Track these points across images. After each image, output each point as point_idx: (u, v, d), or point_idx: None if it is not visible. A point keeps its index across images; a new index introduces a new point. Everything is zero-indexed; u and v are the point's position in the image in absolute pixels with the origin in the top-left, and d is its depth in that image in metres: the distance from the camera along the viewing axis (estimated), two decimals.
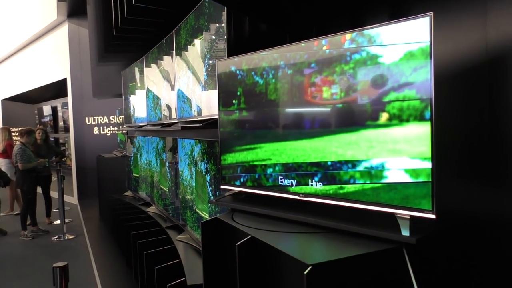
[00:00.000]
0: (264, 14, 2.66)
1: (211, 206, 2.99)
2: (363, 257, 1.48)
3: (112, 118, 8.83)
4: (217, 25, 2.81)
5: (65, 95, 10.10)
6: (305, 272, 1.30)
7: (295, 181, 1.98)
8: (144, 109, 5.35)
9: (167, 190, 4.35)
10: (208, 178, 3.01)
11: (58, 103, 11.90)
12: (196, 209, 3.36)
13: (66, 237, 6.13)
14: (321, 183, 1.87)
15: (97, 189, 7.54)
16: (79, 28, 8.87)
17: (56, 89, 11.19)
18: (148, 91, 5.08)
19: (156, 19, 4.06)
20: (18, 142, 6.12)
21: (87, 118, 8.81)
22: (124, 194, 6.35)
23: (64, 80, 9.42)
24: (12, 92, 12.90)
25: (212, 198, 2.96)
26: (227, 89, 2.32)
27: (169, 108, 4.23)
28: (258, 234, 1.73)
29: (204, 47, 3.07)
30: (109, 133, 8.85)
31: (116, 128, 8.70)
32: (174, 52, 3.89)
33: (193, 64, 3.33)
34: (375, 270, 1.53)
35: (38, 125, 13.17)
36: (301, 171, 1.95)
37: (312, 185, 1.91)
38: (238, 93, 2.24)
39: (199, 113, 3.22)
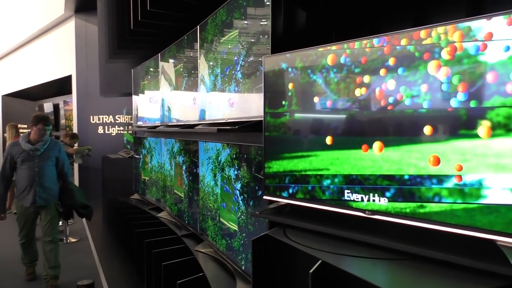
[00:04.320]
0: (312, 7, 2.42)
1: (241, 217, 2.73)
2: None
3: (118, 117, 8.55)
4: (257, 19, 2.55)
5: (68, 92, 9.81)
6: None
7: (360, 195, 1.72)
8: (157, 109, 5.08)
9: (182, 196, 4.07)
10: (238, 186, 2.74)
11: (60, 100, 11.61)
12: (221, 219, 3.09)
13: (69, 241, 5.83)
14: (394, 200, 1.62)
15: (101, 190, 7.24)
16: (87, 24, 8.60)
17: (59, 86, 10.91)
18: (164, 89, 4.82)
19: (179, 13, 3.81)
20: None
21: (91, 116, 8.52)
22: (130, 197, 6.06)
23: (68, 77, 9.14)
24: (13, 88, 12.59)
25: (243, 208, 2.69)
26: (276, 88, 2.06)
27: (190, 108, 3.97)
28: (328, 258, 1.47)
29: (238, 43, 2.81)
30: (114, 132, 8.56)
31: (122, 128, 8.42)
32: (198, 48, 3.64)
33: (223, 61, 3.07)
34: None
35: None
36: (368, 185, 1.70)
37: (382, 201, 1.65)
38: (289, 93, 1.99)
39: (229, 115, 2.96)
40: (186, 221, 3.97)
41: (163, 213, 4.74)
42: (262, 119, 2.36)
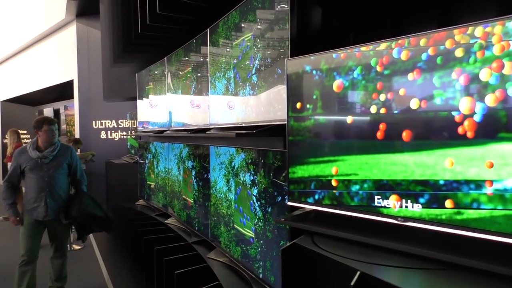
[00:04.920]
0: (330, 7, 2.37)
1: (258, 223, 2.66)
2: None
3: (121, 122, 8.48)
4: (273, 20, 2.50)
5: (69, 97, 9.74)
6: None
7: (392, 201, 1.67)
8: (164, 113, 5.02)
9: (192, 202, 4.01)
10: (255, 191, 2.68)
11: (60, 105, 11.54)
12: (235, 225, 3.02)
13: (73, 248, 5.74)
14: (428, 206, 1.56)
15: (105, 196, 7.16)
16: (88, 29, 8.55)
17: (59, 91, 10.83)
18: (171, 94, 4.76)
19: (189, 16, 3.76)
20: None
21: (94, 121, 8.45)
22: (136, 203, 5.99)
23: (70, 82, 9.07)
24: (13, 93, 12.51)
25: (260, 214, 2.63)
26: (299, 91, 2.01)
27: (200, 112, 3.91)
28: (362, 268, 1.41)
29: (253, 46, 2.76)
30: (118, 138, 8.49)
31: (125, 133, 8.34)
32: (208, 52, 3.58)
33: (237, 64, 3.02)
34: None
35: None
36: (400, 190, 1.64)
37: (415, 207, 1.60)
38: (314, 96, 1.93)
39: (243, 119, 2.90)
40: (196, 228, 3.91)
41: (171, 219, 4.67)
42: (280, 122, 2.31)
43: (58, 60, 9.66)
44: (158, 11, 3.52)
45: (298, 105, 2.01)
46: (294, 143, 2.03)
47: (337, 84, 1.83)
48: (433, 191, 1.55)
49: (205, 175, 3.62)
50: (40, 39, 10.57)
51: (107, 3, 6.09)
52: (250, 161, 2.77)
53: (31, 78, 11.16)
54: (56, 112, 11.77)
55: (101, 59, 6.98)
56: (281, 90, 2.35)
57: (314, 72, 1.94)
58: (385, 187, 1.68)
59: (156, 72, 5.33)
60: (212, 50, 3.51)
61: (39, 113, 13.23)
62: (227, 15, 3.17)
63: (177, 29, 4.15)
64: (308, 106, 1.96)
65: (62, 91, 10.56)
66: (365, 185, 1.75)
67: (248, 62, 2.83)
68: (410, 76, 1.58)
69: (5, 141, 10.72)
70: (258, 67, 2.69)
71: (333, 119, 1.85)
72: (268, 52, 2.56)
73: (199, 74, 3.89)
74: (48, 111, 12.55)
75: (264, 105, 2.60)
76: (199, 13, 3.66)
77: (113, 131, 8.48)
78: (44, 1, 9.60)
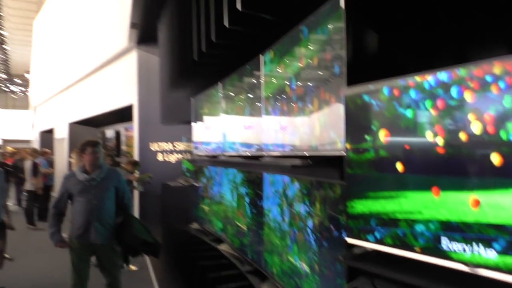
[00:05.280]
0: (387, 31, 2.27)
1: (313, 257, 2.56)
2: None
3: (177, 145, 8.71)
4: (328, 46, 2.44)
5: (128, 119, 10.17)
6: None
7: (461, 245, 1.51)
8: (217, 137, 5.07)
9: (245, 229, 3.97)
10: (310, 224, 2.59)
11: (121, 127, 12.11)
12: (288, 257, 2.93)
13: (129, 268, 5.88)
14: (505, 253, 1.40)
15: (161, 218, 7.33)
16: (148, 55, 8.94)
17: (120, 114, 11.37)
18: (225, 118, 4.80)
19: (243, 43, 3.80)
20: None
21: (151, 144, 8.75)
22: (190, 225, 6.06)
23: (130, 106, 9.49)
24: (79, 116, 13.30)
25: (315, 248, 2.52)
26: (358, 122, 1.92)
27: (252, 136, 3.89)
28: None
29: (306, 71, 2.70)
30: (174, 160, 8.72)
31: (181, 156, 8.56)
32: (261, 77, 3.58)
33: (290, 90, 2.98)
34: None
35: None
36: (471, 233, 1.49)
37: (489, 254, 1.44)
38: (374, 128, 1.83)
39: (297, 148, 2.83)
40: (249, 256, 3.84)
41: (224, 245, 4.65)
42: (338, 153, 2.22)
43: (120, 85, 10.18)
44: (213, 40, 3.59)
45: (357, 136, 1.91)
46: (353, 176, 1.94)
47: (399, 114, 1.72)
48: (510, 237, 1.39)
49: (259, 202, 3.58)
50: (104, 65, 11.22)
51: (165, 32, 6.35)
52: (305, 191, 2.68)
53: (96, 101, 11.83)
54: (117, 134, 12.37)
55: (159, 84, 7.26)
56: (337, 118, 2.27)
57: (373, 101, 1.84)
58: (453, 229, 1.54)
59: (210, 96, 5.43)
60: (266, 75, 3.50)
61: (102, 134, 13.98)
62: (280, 41, 3.16)
63: (230, 55, 4.21)
64: (367, 137, 1.86)
65: (123, 114, 11.08)
66: (431, 226, 1.61)
67: (301, 88, 2.77)
68: (485, 107, 1.43)
69: (71, 160, 11.42)
70: (312, 94, 2.62)
71: (395, 152, 1.74)
72: (322, 78, 2.49)
73: (252, 98, 3.89)
74: (110, 132, 13.23)
75: (319, 132, 2.52)
76: (252, 41, 3.68)
77: (169, 153, 8.72)
78: (109, 30, 10.22)
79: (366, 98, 1.88)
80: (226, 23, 3.21)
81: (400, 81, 1.72)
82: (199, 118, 6.11)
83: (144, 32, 8.31)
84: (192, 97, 6.46)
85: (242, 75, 4.21)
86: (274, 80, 3.33)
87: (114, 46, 9.89)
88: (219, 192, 4.93)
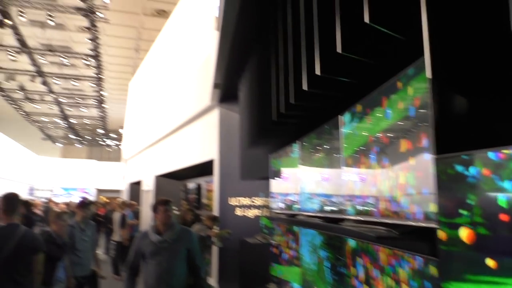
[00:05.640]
0: (477, 94, 2.12)
1: None
2: None
3: (255, 200, 8.77)
4: (412, 108, 2.34)
5: (209, 173, 10.51)
6: None
7: None
8: (296, 195, 5.01)
9: None
10: None
11: (202, 181, 12.56)
12: None
13: None
14: None
15: (238, 275, 7.27)
16: (229, 112, 9.33)
17: (201, 168, 11.82)
18: (304, 177, 4.75)
19: (319, 105, 3.81)
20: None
21: (230, 198, 8.90)
22: (267, 285, 5.91)
23: (211, 161, 9.84)
24: (164, 169, 14.06)
25: None
26: (451, 194, 1.77)
27: (333, 200, 3.78)
28: None
29: (391, 133, 2.60)
30: (251, 215, 8.76)
31: (259, 211, 8.58)
32: (341, 138, 3.52)
33: (371, 152, 2.87)
34: None
35: (183, 201, 14.04)
36: None
37: None
38: (470, 202, 1.67)
39: (381, 212, 2.68)
40: None
41: None
42: (430, 225, 2.05)
43: (202, 141, 10.68)
44: (291, 102, 3.64)
45: (450, 209, 1.76)
46: (448, 254, 1.76)
47: (498, 188, 1.55)
48: None
49: (340, 269, 3.39)
50: (187, 123, 11.92)
51: (245, 92, 6.62)
52: (395, 263, 2.49)
53: (179, 156, 12.49)
54: (199, 187, 12.84)
55: (239, 141, 7.49)
56: (427, 186, 2.12)
57: (467, 173, 1.69)
58: None
59: (288, 153, 5.45)
60: (345, 136, 3.44)
61: (184, 187, 14.60)
62: (359, 102, 3.11)
63: (309, 116, 4.23)
64: (462, 212, 1.69)
65: (204, 168, 11.52)
66: None
67: (384, 149, 2.66)
68: None
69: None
70: (395, 157, 2.50)
71: (496, 231, 1.55)
72: (407, 140, 2.37)
73: (331, 158, 3.82)
74: (191, 186, 13.77)
75: (407, 200, 2.36)
76: (331, 102, 3.68)
77: (247, 209, 8.78)
78: (193, 90, 10.93)
79: (459, 168, 1.73)
80: (305, 86, 3.25)
81: (497, 152, 1.57)
82: (276, 175, 6.13)
83: (226, 91, 8.74)
84: (270, 154, 6.55)
85: (321, 134, 4.18)
86: (354, 141, 3.25)
87: (197, 105, 10.52)
88: (297, 252, 4.79)
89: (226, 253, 8.42)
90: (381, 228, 2.53)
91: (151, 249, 3.60)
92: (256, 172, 7.32)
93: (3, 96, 27.01)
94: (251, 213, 8.81)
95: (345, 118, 3.43)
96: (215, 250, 8.63)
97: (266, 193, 7.31)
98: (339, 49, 2.61)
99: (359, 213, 3.05)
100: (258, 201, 8.74)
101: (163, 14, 19.17)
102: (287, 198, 5.44)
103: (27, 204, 9.22)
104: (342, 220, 3.34)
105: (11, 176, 30.25)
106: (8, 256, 3.41)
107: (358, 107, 3.16)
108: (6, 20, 15.62)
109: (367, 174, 2.94)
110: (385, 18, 2.30)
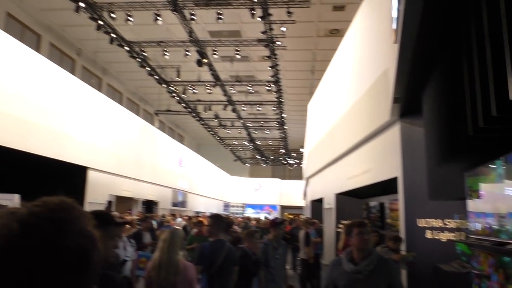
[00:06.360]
0: None
1: None
2: None
3: (448, 222, 7.92)
4: None
5: (392, 191, 9.98)
6: None
7: None
8: (500, 222, 4.31)
9: None
10: None
11: (385, 199, 12.01)
12: None
13: None
14: None
15: None
16: (411, 127, 8.76)
17: (383, 186, 11.35)
18: (505, 197, 4.07)
19: None
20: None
21: (418, 220, 8.24)
22: None
23: (393, 179, 9.35)
24: (344, 187, 14.01)
25: None
26: None
27: None
28: None
29: None
30: (444, 239, 7.92)
31: (453, 234, 7.71)
32: None
33: None
34: None
35: (366, 221, 13.68)
36: None
37: None
38: None
39: None
40: None
41: None
42: None
43: (383, 158, 10.25)
44: (492, 114, 3.17)
45: None
46: None
47: None
48: None
49: None
50: (366, 140, 11.64)
51: (431, 104, 6.10)
52: None
53: (360, 174, 12.25)
54: (381, 206, 12.31)
55: (426, 158, 6.90)
56: None
57: None
58: None
59: (489, 171, 4.75)
60: None
61: (365, 205, 14.22)
62: None
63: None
64: None
65: (386, 186, 11.02)
66: None
67: None
68: None
69: (340, 231, 11.97)
70: None
71: None
72: None
73: None
74: (373, 204, 13.30)
75: None
76: None
77: (439, 231, 7.98)
78: (371, 107, 10.66)
79: None
80: (511, 95, 2.79)
81: None
82: (474, 195, 5.40)
83: (407, 105, 8.25)
84: (465, 171, 5.83)
85: None
86: None
87: (376, 121, 10.19)
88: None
89: (416, 279, 7.78)
90: None
91: (345, 280, 3.24)
92: (447, 192, 6.61)
93: (202, 124, 31.50)
94: (444, 236, 7.97)
95: None
96: (403, 275, 8.08)
97: (461, 215, 6.52)
98: None
99: None
100: (452, 223, 7.86)
101: (336, 33, 19.52)
102: (490, 223, 4.73)
103: (229, 224, 10.36)
104: None
105: (212, 194, 34.81)
106: (219, 266, 4.24)
107: None
108: (204, 60, 18.22)
109: None
110: None
